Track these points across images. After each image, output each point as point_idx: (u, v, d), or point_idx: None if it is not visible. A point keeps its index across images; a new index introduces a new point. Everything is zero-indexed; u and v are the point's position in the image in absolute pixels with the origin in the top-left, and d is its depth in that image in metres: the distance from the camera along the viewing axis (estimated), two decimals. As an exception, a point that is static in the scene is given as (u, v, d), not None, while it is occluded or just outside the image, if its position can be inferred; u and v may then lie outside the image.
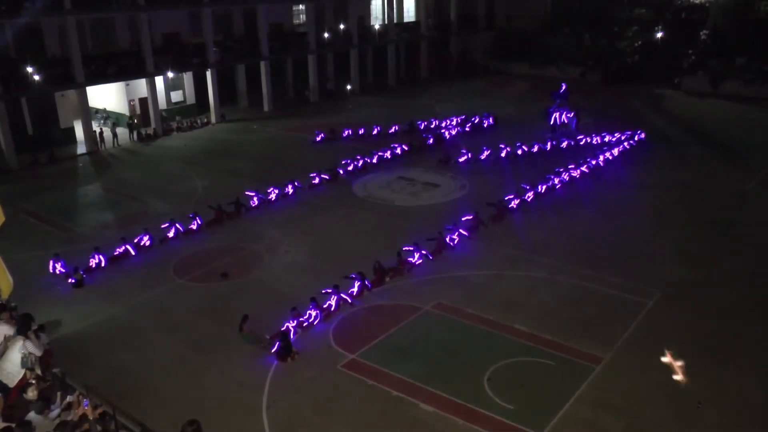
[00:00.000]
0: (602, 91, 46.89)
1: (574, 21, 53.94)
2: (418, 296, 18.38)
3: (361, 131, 35.99)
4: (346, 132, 35.82)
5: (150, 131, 37.87)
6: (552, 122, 36.15)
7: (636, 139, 33.45)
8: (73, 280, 19.39)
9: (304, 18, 47.64)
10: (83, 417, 10.37)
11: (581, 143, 33.25)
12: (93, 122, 36.81)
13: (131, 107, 39.17)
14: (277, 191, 26.26)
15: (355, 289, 18.24)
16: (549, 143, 32.73)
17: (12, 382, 11.46)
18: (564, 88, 36.46)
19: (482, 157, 31.04)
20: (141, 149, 35.76)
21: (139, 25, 36.69)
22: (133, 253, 21.37)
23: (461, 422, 13.24)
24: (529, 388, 14.23)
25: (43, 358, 13.20)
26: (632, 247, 21.43)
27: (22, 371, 11.75)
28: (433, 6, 56.67)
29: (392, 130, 36.33)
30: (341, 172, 29.06)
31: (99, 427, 10.58)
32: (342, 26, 48.32)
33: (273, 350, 15.49)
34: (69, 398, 11.08)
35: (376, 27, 52.44)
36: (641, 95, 45.27)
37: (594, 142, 33.35)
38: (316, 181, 27.96)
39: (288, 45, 45.88)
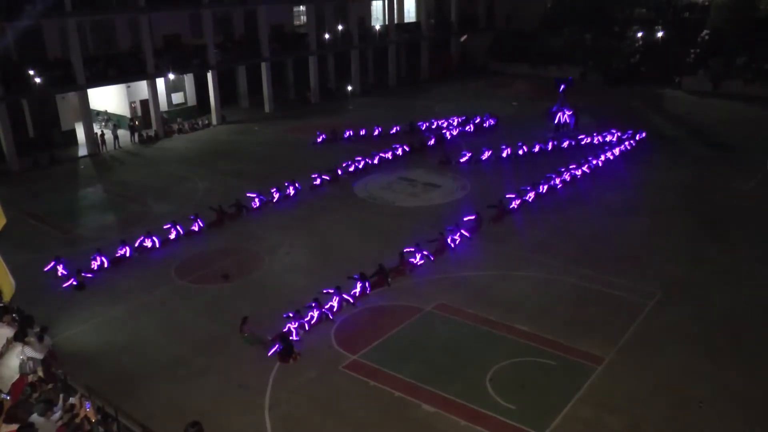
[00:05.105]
0: (603, 91, 46.88)
1: (574, 21, 53.94)
2: (420, 297, 18.39)
3: (362, 132, 36.01)
4: (347, 133, 35.84)
5: (151, 133, 37.90)
6: (555, 122, 36.21)
7: (637, 138, 33.45)
8: (74, 282, 19.42)
9: (305, 19, 47.72)
10: (86, 419, 10.39)
11: (582, 143, 33.25)
12: (94, 124, 36.84)
13: (132, 109, 39.21)
14: (278, 193, 26.30)
15: (357, 290, 18.26)
16: (550, 143, 32.74)
17: (7, 387, 11.50)
18: (569, 79, 36.85)
19: (483, 158, 31.06)
20: (142, 151, 35.80)
21: (139, 27, 36.74)
22: (134, 255, 21.40)
23: (463, 423, 13.25)
24: (530, 388, 14.23)
25: (46, 360, 13.23)
26: (633, 246, 21.44)
27: (17, 376, 11.78)
28: (434, 7, 56.69)
29: (393, 130, 36.36)
30: (342, 173, 29.08)
31: (101, 429, 10.60)
32: (342, 27, 48.35)
33: (274, 351, 15.51)
34: (71, 400, 11.09)
35: (377, 28, 52.48)
36: (642, 95, 45.26)
37: (595, 141, 33.35)
38: (317, 182, 27.97)
39: (289, 46, 45.91)
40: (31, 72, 32.45)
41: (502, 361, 15.19)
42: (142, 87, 38.25)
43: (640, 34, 51.33)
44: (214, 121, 40.78)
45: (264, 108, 43.84)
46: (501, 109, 40.51)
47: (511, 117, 39.86)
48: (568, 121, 36.35)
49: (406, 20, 56.06)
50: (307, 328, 16.69)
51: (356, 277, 18.46)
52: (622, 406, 13.63)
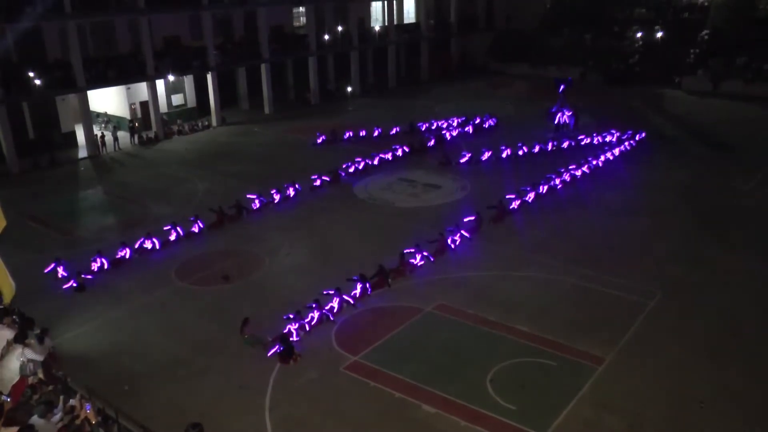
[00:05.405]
0: (603, 91, 46.86)
1: (574, 21, 53.94)
2: (420, 297, 18.40)
3: (362, 133, 36.01)
4: (347, 134, 35.83)
5: (151, 135, 37.90)
6: (555, 122, 36.22)
7: (637, 138, 33.44)
8: (74, 284, 19.43)
9: (305, 20, 47.73)
10: (86, 420, 10.40)
11: (582, 143, 33.25)
12: (94, 126, 36.85)
13: (132, 111, 39.20)
14: (278, 194, 26.30)
15: (357, 291, 18.26)
16: (550, 143, 32.74)
17: (7, 389, 11.51)
18: (569, 79, 37.16)
19: (483, 158, 31.06)
20: (142, 153, 35.82)
21: (139, 29, 36.77)
22: (134, 256, 21.40)
23: (463, 423, 13.26)
24: (531, 388, 14.24)
25: (47, 361, 13.25)
26: (633, 247, 21.44)
27: (17, 378, 11.81)
28: (433, 7, 56.72)
29: (393, 131, 36.36)
30: (342, 174, 29.09)
31: (101, 431, 10.61)
32: (342, 28, 48.36)
33: (275, 352, 15.51)
34: (72, 402, 11.11)
35: (377, 28, 52.49)
36: (642, 95, 45.24)
37: (595, 142, 33.35)
38: (317, 183, 27.98)
39: (288, 47, 45.91)
40: (31, 74, 32.46)
41: (502, 361, 15.19)
42: (141, 89, 38.26)
43: (639, 34, 51.32)
44: (214, 122, 40.79)
45: (264, 109, 43.84)
46: (501, 109, 40.53)
47: (511, 117, 39.85)
48: (567, 121, 36.37)
49: (406, 21, 56.06)
50: (307, 329, 16.69)
51: (356, 278, 18.46)
52: (623, 406, 13.63)
